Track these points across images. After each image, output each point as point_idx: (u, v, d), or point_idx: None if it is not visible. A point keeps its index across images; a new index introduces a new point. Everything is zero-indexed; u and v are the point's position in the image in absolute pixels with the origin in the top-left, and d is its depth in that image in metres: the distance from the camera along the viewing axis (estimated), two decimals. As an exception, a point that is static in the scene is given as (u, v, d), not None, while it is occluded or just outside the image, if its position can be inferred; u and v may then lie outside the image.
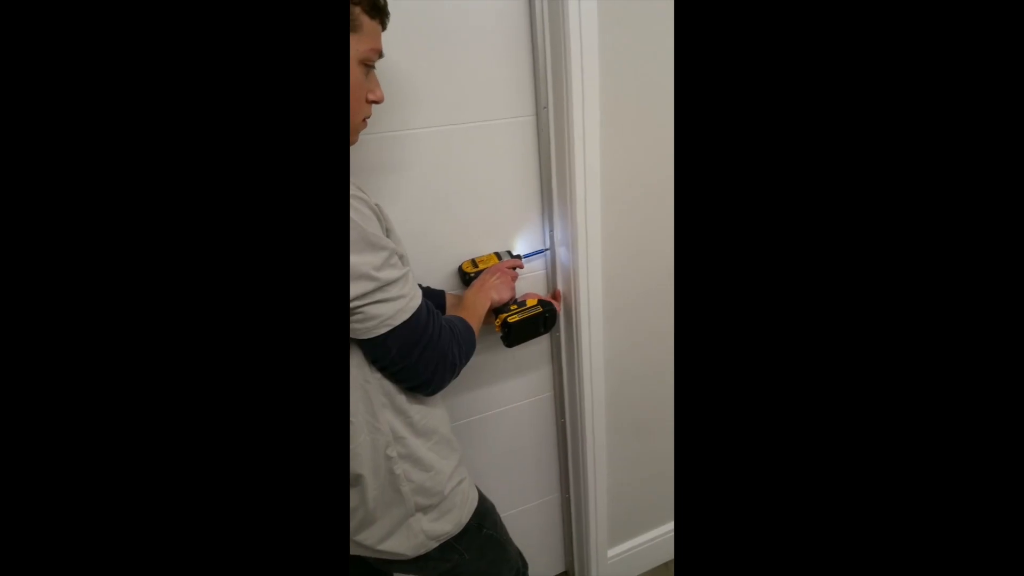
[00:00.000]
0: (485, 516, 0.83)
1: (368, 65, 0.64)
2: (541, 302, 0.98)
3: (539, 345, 1.15)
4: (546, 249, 1.06)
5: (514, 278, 0.96)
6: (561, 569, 1.42)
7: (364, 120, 0.68)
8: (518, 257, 1.01)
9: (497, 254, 1.00)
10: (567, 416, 1.21)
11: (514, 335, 0.96)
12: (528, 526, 1.30)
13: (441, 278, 1.01)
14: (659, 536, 1.40)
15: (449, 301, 0.94)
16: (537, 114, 0.97)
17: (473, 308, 0.86)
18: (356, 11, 0.59)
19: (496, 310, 0.94)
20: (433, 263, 0.99)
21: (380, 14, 0.63)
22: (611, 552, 1.35)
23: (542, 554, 1.37)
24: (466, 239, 1.00)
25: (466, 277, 0.97)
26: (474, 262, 0.98)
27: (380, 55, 0.65)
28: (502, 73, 0.93)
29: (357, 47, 0.61)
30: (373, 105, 0.67)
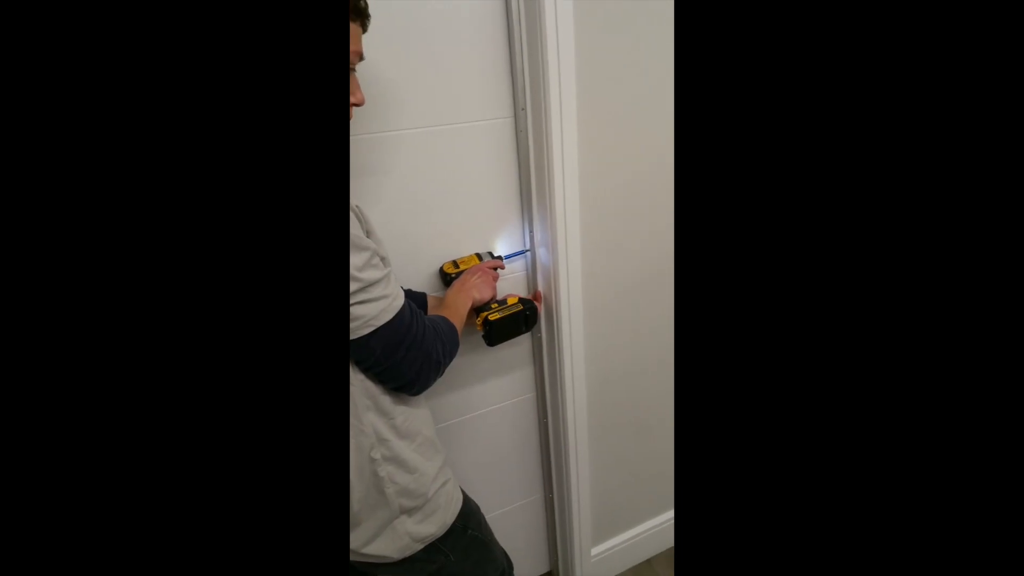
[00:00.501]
0: (470, 517, 0.83)
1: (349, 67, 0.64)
2: (522, 300, 0.99)
3: (521, 346, 1.15)
4: (527, 250, 1.07)
5: (495, 278, 0.97)
6: (546, 569, 1.42)
7: None
8: (499, 258, 1.01)
9: (478, 255, 1.01)
10: (549, 416, 1.21)
11: (495, 333, 0.96)
12: (512, 527, 1.30)
13: (423, 280, 1.01)
14: (642, 533, 1.41)
15: (431, 303, 0.94)
16: (515, 115, 0.97)
17: (454, 307, 0.86)
18: None
19: (477, 309, 0.95)
20: (414, 265, 0.99)
21: (361, 16, 0.63)
22: (595, 550, 1.36)
23: (526, 554, 1.38)
24: (447, 240, 1.00)
25: (447, 278, 0.97)
26: (455, 263, 0.99)
27: (361, 58, 0.65)
28: (480, 75, 0.93)
29: None
30: (354, 108, 0.67)
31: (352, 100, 0.66)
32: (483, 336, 0.97)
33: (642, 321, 1.18)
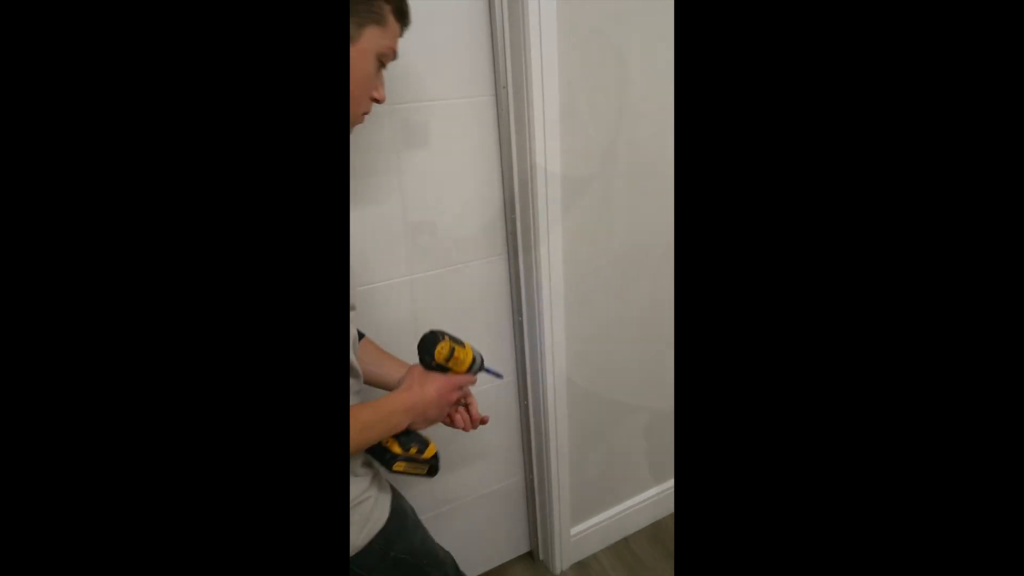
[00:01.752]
0: (395, 538, 0.73)
1: (382, 63, 0.63)
2: (433, 458, 0.78)
3: (501, 328, 1.15)
4: (501, 374, 0.90)
5: (455, 402, 0.80)
6: (526, 549, 1.44)
7: (363, 115, 0.65)
8: (482, 370, 0.81)
9: (474, 356, 0.79)
10: (530, 399, 1.21)
11: (395, 473, 0.76)
12: (492, 508, 1.31)
13: (396, 270, 0.99)
14: (620, 512, 1.44)
15: (371, 353, 0.82)
16: (496, 94, 0.95)
17: (388, 420, 0.70)
18: (385, 9, 0.60)
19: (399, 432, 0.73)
20: (390, 256, 0.97)
21: (403, 18, 0.64)
22: (574, 530, 1.37)
23: (506, 535, 1.39)
24: (424, 228, 0.99)
25: (429, 361, 0.76)
26: (452, 350, 0.75)
27: (395, 56, 0.64)
28: (461, 52, 0.91)
29: (380, 41, 0.61)
30: (373, 104, 0.66)
31: (376, 95, 0.64)
32: (379, 462, 0.75)
33: (623, 304, 1.18)
